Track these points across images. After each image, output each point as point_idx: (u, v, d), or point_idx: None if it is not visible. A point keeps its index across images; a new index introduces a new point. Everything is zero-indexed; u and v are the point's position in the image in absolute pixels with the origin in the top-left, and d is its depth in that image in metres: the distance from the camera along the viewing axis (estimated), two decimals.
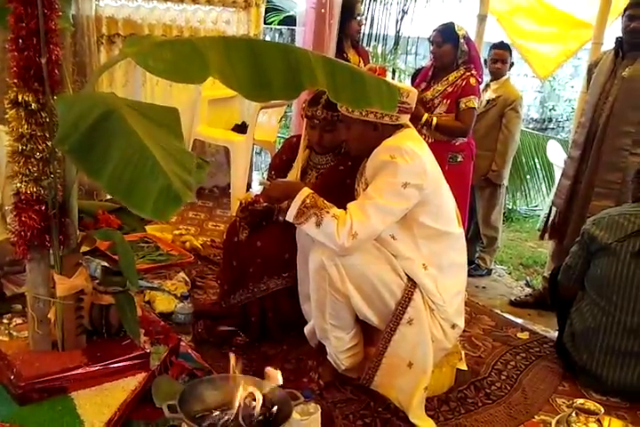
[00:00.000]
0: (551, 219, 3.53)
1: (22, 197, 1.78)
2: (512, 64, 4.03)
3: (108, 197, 3.65)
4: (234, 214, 2.83)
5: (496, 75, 3.96)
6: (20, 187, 1.77)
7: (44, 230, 1.81)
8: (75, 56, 4.03)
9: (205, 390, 1.70)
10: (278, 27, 7.29)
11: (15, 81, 1.70)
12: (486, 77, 3.94)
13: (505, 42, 4.01)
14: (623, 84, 3.10)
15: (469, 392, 2.37)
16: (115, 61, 2.09)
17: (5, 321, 2.06)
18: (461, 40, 3.45)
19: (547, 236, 3.58)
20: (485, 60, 3.94)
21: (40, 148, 1.74)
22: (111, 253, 2.97)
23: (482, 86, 3.73)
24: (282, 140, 4.63)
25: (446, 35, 3.46)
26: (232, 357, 1.74)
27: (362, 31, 4.04)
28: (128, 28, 4.21)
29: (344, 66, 1.75)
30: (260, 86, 1.63)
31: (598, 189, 3.19)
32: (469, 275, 3.63)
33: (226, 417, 1.59)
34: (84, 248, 2.00)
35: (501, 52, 3.94)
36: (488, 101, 3.89)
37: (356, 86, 1.70)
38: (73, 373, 1.84)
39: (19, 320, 2.06)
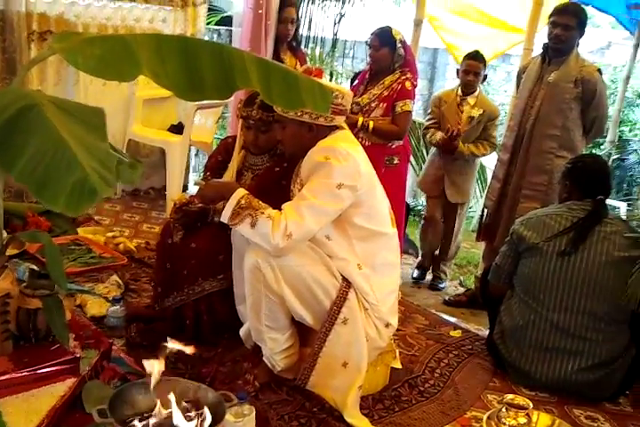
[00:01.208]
0: (483, 220, 3.63)
1: None
2: (485, 76, 3.87)
3: None
4: (168, 216, 2.79)
5: (467, 86, 3.79)
6: None
7: None
8: (4, 53, 3.90)
9: (137, 395, 1.67)
10: (217, 27, 7.23)
11: None
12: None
13: (480, 52, 3.80)
14: (548, 89, 3.22)
15: (403, 390, 2.40)
16: (42, 57, 2.05)
17: None
18: (398, 44, 3.51)
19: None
20: (457, 71, 3.89)
21: None
22: (41, 256, 2.88)
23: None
24: (218, 142, 4.61)
25: (383, 38, 3.51)
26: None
27: (291, 35, 4.03)
28: (61, 25, 4.09)
29: (278, 67, 1.76)
30: (193, 86, 1.61)
31: (525, 191, 3.30)
32: (434, 289, 3.95)
33: (158, 421, 1.56)
34: (11, 251, 1.94)
35: (475, 63, 3.75)
36: (472, 118, 3.76)
37: (289, 87, 1.71)
38: None
39: None
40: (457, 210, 3.97)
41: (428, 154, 4.56)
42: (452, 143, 3.71)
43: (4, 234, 1.88)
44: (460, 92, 3.84)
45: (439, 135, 3.79)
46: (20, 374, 1.82)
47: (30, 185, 1.40)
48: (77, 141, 1.44)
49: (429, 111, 4.05)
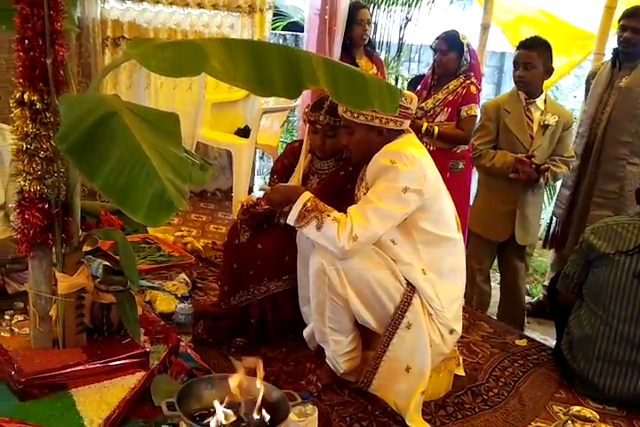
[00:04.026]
0: (552, 228, 3.55)
1: (26, 196, 1.80)
2: (550, 70, 3.07)
3: None
4: (235, 217, 2.84)
5: (521, 86, 3.09)
6: (24, 185, 1.79)
7: (46, 229, 1.82)
8: (80, 58, 4.07)
9: (204, 390, 1.71)
10: (282, 32, 7.32)
11: (20, 81, 1.72)
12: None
13: (537, 38, 3.06)
14: (620, 95, 3.13)
15: (466, 398, 2.37)
16: (118, 62, 2.12)
17: (7, 318, 2.07)
18: (465, 48, 3.48)
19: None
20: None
21: (44, 147, 1.76)
22: (113, 253, 2.98)
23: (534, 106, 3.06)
24: (284, 145, 4.67)
25: (451, 43, 3.48)
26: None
27: (367, 37, 4.00)
28: (133, 30, 4.26)
29: (345, 67, 1.77)
30: (262, 83, 1.64)
31: (597, 199, 3.21)
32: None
33: (224, 416, 1.59)
34: (86, 248, 2.01)
35: (525, 52, 3.03)
36: (546, 127, 3.04)
37: (356, 87, 1.72)
38: (73, 369, 1.85)
39: (20, 317, 2.08)
40: (523, 255, 3.22)
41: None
42: (531, 167, 2.96)
43: (79, 231, 1.96)
44: (524, 95, 3.09)
45: (510, 157, 3.00)
46: (93, 366, 1.89)
47: (112, 196, 1.47)
48: (154, 149, 1.49)
49: (480, 127, 3.22)
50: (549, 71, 3.06)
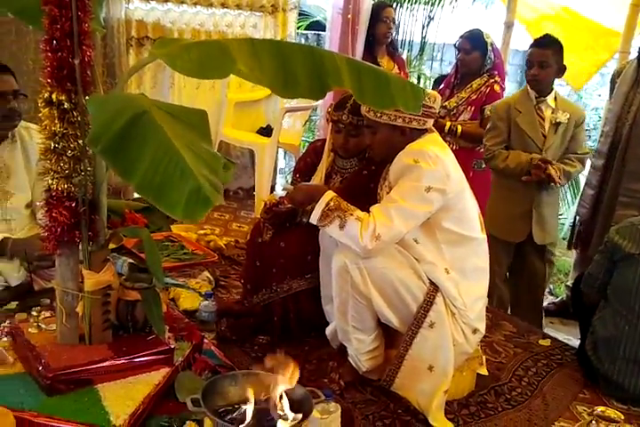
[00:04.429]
0: (576, 228, 3.51)
1: (53, 194, 1.82)
2: (563, 69, 3.04)
3: (135, 195, 3.70)
4: (258, 216, 2.85)
5: (534, 84, 3.04)
6: (52, 184, 1.81)
7: (73, 226, 1.84)
8: (105, 58, 4.11)
9: (228, 386, 1.72)
10: (304, 31, 7.33)
11: (49, 81, 1.74)
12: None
13: (550, 36, 3.05)
14: None
15: (489, 397, 2.36)
16: (145, 63, 2.14)
17: (34, 314, 2.10)
18: (489, 47, 3.46)
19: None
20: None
21: (72, 146, 1.78)
22: (137, 251, 3.01)
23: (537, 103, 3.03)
24: (306, 144, 4.68)
25: (474, 42, 3.47)
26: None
27: (390, 35, 3.99)
28: (157, 31, 4.29)
29: (368, 67, 1.78)
30: (287, 85, 1.65)
31: (622, 199, 3.16)
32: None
33: (248, 412, 1.60)
34: (111, 246, 2.03)
35: (538, 51, 3.00)
36: (558, 125, 3.01)
37: (380, 87, 1.73)
38: (99, 365, 1.87)
39: (47, 314, 2.10)
40: (544, 254, 3.17)
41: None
42: (545, 172, 2.91)
43: (105, 229, 1.98)
44: (534, 93, 3.04)
45: (524, 157, 2.96)
46: (118, 362, 1.91)
47: (149, 194, 1.48)
48: (186, 146, 1.51)
49: (491, 127, 3.14)
50: (562, 70, 3.03)
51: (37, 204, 2.58)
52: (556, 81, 3.11)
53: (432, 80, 6.13)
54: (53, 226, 1.84)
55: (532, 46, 3.04)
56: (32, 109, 1.93)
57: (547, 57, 2.96)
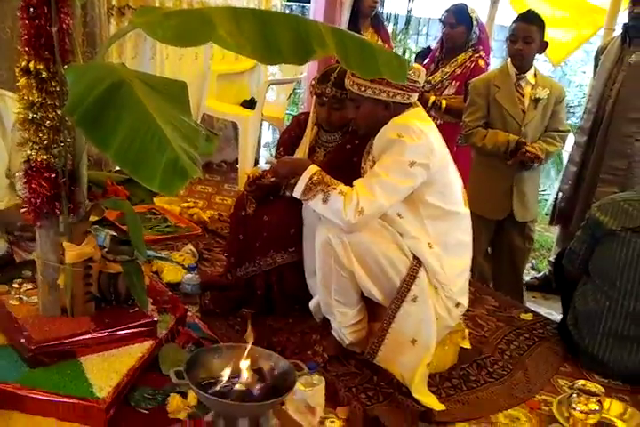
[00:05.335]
0: (558, 204, 3.54)
1: (32, 165, 1.80)
2: (545, 45, 3.01)
3: (117, 168, 3.66)
4: (241, 189, 2.83)
5: (518, 59, 3.00)
6: (31, 154, 1.79)
7: (53, 198, 1.83)
8: (85, 27, 4.00)
9: (212, 359, 1.72)
10: (289, 3, 7.22)
11: (26, 49, 1.71)
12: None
13: (534, 12, 3.04)
14: (629, 71, 3.09)
15: (472, 370, 2.38)
16: (124, 32, 2.10)
17: (16, 286, 2.09)
18: (474, 22, 3.44)
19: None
20: (506, 39, 3.06)
21: (50, 116, 1.76)
22: (119, 224, 2.99)
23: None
24: (290, 117, 4.64)
25: (460, 16, 3.44)
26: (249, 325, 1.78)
27: (376, 9, 3.93)
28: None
29: (353, 35, 1.76)
30: (270, 49, 1.62)
31: (604, 176, 3.18)
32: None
33: (231, 384, 1.60)
34: (92, 218, 2.01)
35: (524, 25, 2.95)
36: (537, 101, 2.98)
37: (365, 54, 1.71)
38: (82, 338, 1.87)
39: (29, 286, 2.09)
40: (524, 231, 3.17)
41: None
42: (527, 156, 2.91)
43: (86, 201, 1.96)
44: (514, 69, 3.01)
45: (502, 137, 2.94)
46: (101, 335, 1.91)
47: (125, 165, 1.47)
48: (165, 118, 1.49)
49: (470, 103, 3.09)
50: (544, 46, 3.01)
51: (17, 174, 2.54)
52: (536, 56, 3.08)
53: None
54: (33, 197, 1.82)
55: (516, 21, 2.99)
56: (11, 80, 1.88)
57: (531, 32, 2.92)
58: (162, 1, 4.28)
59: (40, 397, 1.73)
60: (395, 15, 6.58)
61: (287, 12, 6.88)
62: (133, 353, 1.92)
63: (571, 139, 3.42)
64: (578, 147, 3.36)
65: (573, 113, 9.06)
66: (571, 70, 9.16)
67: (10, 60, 2.71)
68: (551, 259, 3.61)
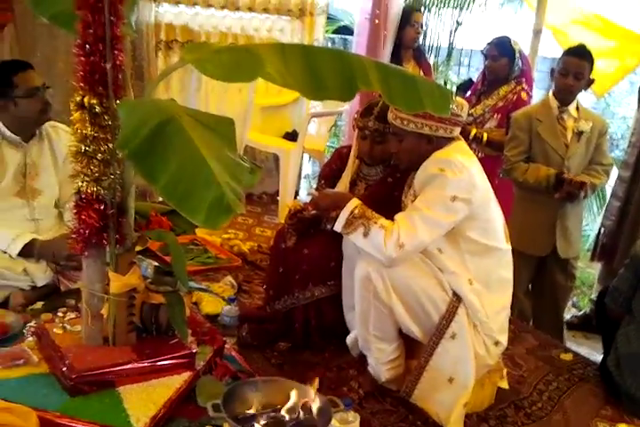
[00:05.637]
0: (600, 240, 3.47)
1: (83, 196, 1.84)
2: (591, 82, 2.98)
3: (160, 199, 3.73)
4: (282, 221, 2.85)
5: (566, 93, 2.97)
6: (82, 186, 1.84)
7: (102, 229, 1.87)
8: (133, 61, 4.15)
9: (248, 392, 1.73)
10: (331, 36, 7.34)
11: (81, 85, 1.76)
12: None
13: (585, 47, 2.97)
14: None
15: (509, 411, 2.33)
16: (175, 67, 2.17)
17: (60, 315, 2.13)
18: (517, 55, 3.45)
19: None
20: (552, 71, 3.07)
21: (102, 149, 1.80)
22: (162, 254, 3.03)
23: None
24: (331, 150, 4.68)
25: (503, 49, 3.46)
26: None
27: (418, 40, 3.99)
28: (185, 34, 4.31)
29: (396, 69, 1.80)
30: (315, 86, 1.67)
31: None
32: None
33: (267, 419, 1.61)
34: (137, 248, 2.05)
35: (576, 61, 2.91)
36: (581, 134, 2.94)
37: (408, 89, 1.74)
38: (122, 368, 1.90)
39: (72, 315, 2.13)
40: (567, 268, 3.09)
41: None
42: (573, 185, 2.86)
43: (133, 232, 2.00)
44: (556, 102, 2.98)
45: (543, 172, 2.90)
46: (141, 365, 1.93)
47: (172, 199, 1.52)
48: (212, 154, 1.53)
49: (511, 138, 3.06)
50: (590, 83, 2.98)
51: (67, 205, 2.62)
52: None
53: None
54: (82, 228, 1.86)
55: (568, 55, 2.95)
56: (64, 113, 1.96)
57: (583, 68, 2.89)
58: (208, 35, 4.41)
59: (79, 425, 1.74)
60: (437, 47, 6.63)
61: (330, 44, 7.02)
62: (171, 384, 1.93)
63: (614, 172, 3.35)
64: (622, 182, 3.31)
65: (617, 146, 8.92)
66: (614, 102, 9.04)
67: (63, 94, 2.81)
68: (593, 297, 3.54)
